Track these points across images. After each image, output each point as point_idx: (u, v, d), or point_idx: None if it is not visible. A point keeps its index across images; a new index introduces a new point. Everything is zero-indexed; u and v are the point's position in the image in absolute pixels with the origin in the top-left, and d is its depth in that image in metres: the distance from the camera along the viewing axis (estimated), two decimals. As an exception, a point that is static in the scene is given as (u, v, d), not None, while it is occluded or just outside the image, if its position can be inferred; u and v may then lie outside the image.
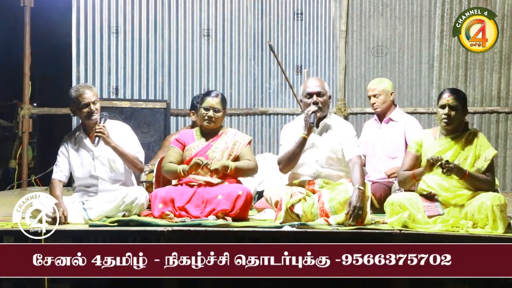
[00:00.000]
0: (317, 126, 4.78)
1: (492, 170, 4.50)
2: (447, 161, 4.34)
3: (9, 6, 8.32)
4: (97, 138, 4.79)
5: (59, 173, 4.89)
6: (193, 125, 6.01)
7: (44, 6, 8.02)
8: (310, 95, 4.80)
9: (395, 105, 5.93)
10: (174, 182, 5.10)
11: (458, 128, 4.56)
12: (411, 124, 5.78)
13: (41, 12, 8.03)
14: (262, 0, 8.05)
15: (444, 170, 4.31)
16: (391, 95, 5.86)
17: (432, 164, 4.34)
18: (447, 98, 4.51)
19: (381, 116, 5.90)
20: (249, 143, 5.07)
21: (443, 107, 4.51)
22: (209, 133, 5.05)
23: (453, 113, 4.49)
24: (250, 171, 5.00)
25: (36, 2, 7.97)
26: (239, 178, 5.00)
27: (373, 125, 5.99)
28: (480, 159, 4.48)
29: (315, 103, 4.76)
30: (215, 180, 4.84)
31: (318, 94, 4.79)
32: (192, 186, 4.83)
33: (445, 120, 4.51)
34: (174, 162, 4.98)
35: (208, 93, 5.06)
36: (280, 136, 4.96)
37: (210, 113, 4.95)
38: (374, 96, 5.85)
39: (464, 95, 4.63)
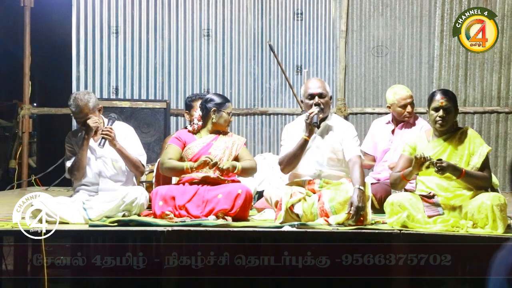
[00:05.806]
0: (319, 127, 4.77)
1: (487, 167, 4.50)
2: (439, 159, 4.34)
3: (9, 6, 8.33)
4: (103, 140, 4.79)
5: None
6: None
7: (44, 6, 8.02)
8: (311, 96, 4.78)
9: None
10: (174, 181, 5.10)
11: (451, 128, 4.56)
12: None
13: (41, 12, 8.03)
14: (262, 0, 8.05)
15: (437, 169, 4.31)
16: None
17: (421, 164, 4.35)
18: (440, 100, 4.50)
19: (398, 121, 5.80)
20: (245, 144, 5.13)
21: (437, 109, 4.50)
22: (211, 132, 5.08)
23: (447, 115, 4.50)
24: (253, 171, 5.05)
25: (36, 2, 7.96)
26: (238, 178, 5.02)
27: (386, 128, 5.87)
28: (475, 156, 4.48)
29: (317, 104, 4.75)
30: (213, 174, 4.86)
31: (320, 95, 4.77)
32: (193, 184, 4.84)
33: (440, 122, 4.50)
34: (173, 159, 4.98)
35: (224, 99, 5.11)
36: (282, 136, 4.96)
37: (231, 117, 5.10)
38: (410, 104, 5.68)
39: (454, 95, 4.64)
